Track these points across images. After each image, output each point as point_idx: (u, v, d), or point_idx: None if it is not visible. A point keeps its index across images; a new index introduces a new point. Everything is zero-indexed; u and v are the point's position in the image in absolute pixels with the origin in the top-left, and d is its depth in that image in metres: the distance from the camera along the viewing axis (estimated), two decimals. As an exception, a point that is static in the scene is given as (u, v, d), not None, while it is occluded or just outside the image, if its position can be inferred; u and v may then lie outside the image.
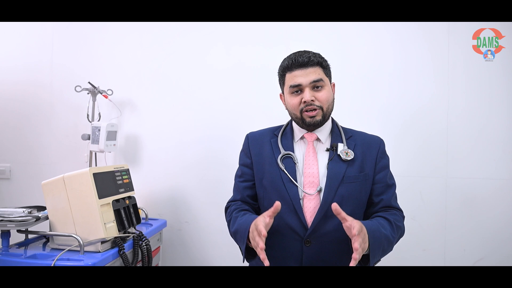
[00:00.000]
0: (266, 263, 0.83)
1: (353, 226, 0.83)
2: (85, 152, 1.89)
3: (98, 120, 1.78)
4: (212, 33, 1.84)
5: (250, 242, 0.95)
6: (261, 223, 0.87)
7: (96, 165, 1.84)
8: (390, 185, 1.08)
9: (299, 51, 1.08)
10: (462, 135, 1.73)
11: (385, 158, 1.10)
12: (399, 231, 1.02)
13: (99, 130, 1.67)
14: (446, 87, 1.76)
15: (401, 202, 1.11)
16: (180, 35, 1.87)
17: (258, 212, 1.14)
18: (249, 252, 0.98)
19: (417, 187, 1.69)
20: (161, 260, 1.69)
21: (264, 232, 0.85)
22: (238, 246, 1.05)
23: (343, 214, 0.87)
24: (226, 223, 1.15)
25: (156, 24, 1.87)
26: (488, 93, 1.75)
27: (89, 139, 1.71)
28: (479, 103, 1.74)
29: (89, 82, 1.72)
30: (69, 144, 1.99)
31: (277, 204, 0.90)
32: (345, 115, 1.58)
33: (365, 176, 1.04)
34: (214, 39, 1.84)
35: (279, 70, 1.11)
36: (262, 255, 0.83)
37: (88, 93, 1.77)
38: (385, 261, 1.43)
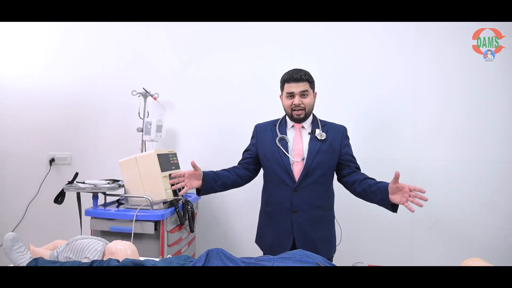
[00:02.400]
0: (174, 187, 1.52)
1: (404, 185, 1.35)
2: (132, 143, 2.42)
3: (147, 117, 2.30)
4: (234, 50, 2.36)
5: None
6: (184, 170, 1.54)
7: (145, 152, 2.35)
8: (352, 154, 1.66)
9: (295, 69, 1.61)
10: (461, 133, 1.96)
11: (347, 139, 1.68)
12: None
13: (150, 124, 2.19)
14: (446, 86, 1.98)
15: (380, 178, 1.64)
16: (208, 51, 2.39)
17: (253, 171, 1.72)
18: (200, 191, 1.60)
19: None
20: (197, 222, 2.22)
21: (180, 173, 1.51)
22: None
23: (398, 179, 1.34)
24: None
25: (192, 41, 2.38)
26: (488, 93, 1.88)
27: (142, 131, 2.23)
28: (478, 102, 1.91)
29: (143, 88, 2.24)
30: (119, 136, 2.50)
31: (192, 162, 1.51)
32: (347, 109, 2.08)
33: (333, 150, 1.59)
34: (235, 56, 2.36)
35: (281, 80, 1.66)
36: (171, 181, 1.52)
37: (139, 96, 2.29)
38: (367, 225, 1.92)
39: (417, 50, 2.03)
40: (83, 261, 1.28)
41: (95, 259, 1.31)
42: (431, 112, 2.18)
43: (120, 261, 1.21)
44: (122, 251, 1.34)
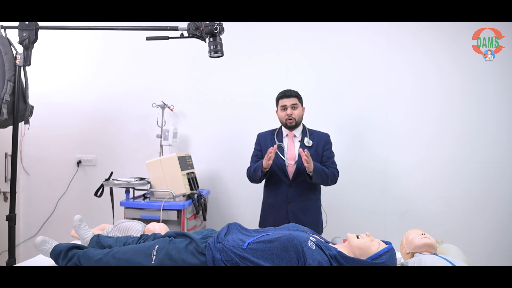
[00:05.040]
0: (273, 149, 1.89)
1: (305, 156, 1.83)
2: (149, 147, 2.84)
3: (164, 125, 2.73)
4: (236, 70, 2.80)
5: (264, 169, 1.96)
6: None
7: (163, 155, 2.76)
8: (331, 157, 2.08)
9: (287, 89, 2.08)
10: (458, 132, 2.18)
11: (329, 144, 2.10)
12: (332, 177, 2.02)
13: (168, 131, 2.62)
14: (446, 86, 2.19)
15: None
16: (216, 68, 2.82)
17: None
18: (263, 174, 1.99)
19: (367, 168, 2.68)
20: (207, 214, 2.64)
21: (271, 150, 1.88)
22: (257, 176, 2.04)
23: (304, 156, 1.84)
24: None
25: (202, 59, 2.81)
26: (488, 93, 2.03)
27: (160, 137, 2.66)
28: (478, 102, 2.09)
29: (162, 101, 2.67)
30: (138, 142, 2.91)
31: (275, 146, 1.92)
32: (347, 112, 2.52)
33: (318, 154, 2.04)
34: (239, 73, 2.80)
35: (276, 98, 2.14)
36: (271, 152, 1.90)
37: (157, 107, 2.71)
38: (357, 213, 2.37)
39: (416, 51, 2.25)
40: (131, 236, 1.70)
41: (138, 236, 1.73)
42: (431, 112, 2.43)
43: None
44: (158, 230, 1.77)
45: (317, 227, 2.08)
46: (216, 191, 2.83)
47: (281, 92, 2.10)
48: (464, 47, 2.02)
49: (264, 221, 2.12)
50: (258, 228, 2.13)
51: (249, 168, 2.18)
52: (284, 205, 2.02)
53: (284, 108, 2.05)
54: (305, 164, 1.86)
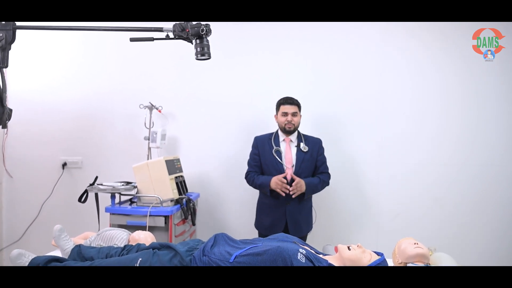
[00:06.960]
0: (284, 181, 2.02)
1: (295, 182, 2.00)
2: (137, 149, 2.75)
3: (152, 127, 2.65)
4: (227, 70, 2.72)
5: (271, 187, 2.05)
6: (279, 176, 2.03)
7: (151, 158, 2.68)
8: (324, 161, 2.14)
9: (288, 96, 2.18)
10: (457, 134, 2.21)
11: (322, 148, 2.16)
12: (324, 184, 2.17)
13: (156, 133, 2.54)
14: (445, 87, 2.20)
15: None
16: (205, 69, 2.72)
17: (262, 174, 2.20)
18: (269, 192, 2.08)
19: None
20: (197, 217, 2.58)
21: (284, 180, 2.01)
22: (262, 190, 2.16)
23: (295, 177, 2.03)
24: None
25: (191, 60, 2.73)
26: (488, 93, 2.07)
27: (148, 139, 2.58)
28: (477, 103, 2.13)
29: (150, 102, 2.59)
30: (125, 143, 2.81)
31: (286, 171, 2.06)
32: (347, 114, 2.53)
33: (313, 158, 2.09)
34: (230, 74, 2.72)
35: (277, 103, 2.19)
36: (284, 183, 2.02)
37: (145, 108, 2.63)
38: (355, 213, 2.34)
39: (415, 51, 2.27)
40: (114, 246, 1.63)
41: (122, 245, 1.66)
42: (430, 113, 2.45)
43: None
44: (143, 239, 1.70)
45: (308, 224, 2.20)
46: (206, 193, 2.77)
47: (284, 98, 2.18)
48: (464, 47, 2.05)
49: (261, 222, 2.20)
50: (253, 232, 2.20)
51: (249, 173, 2.22)
52: (282, 205, 2.10)
53: (285, 114, 2.14)
54: (296, 194, 2.02)
